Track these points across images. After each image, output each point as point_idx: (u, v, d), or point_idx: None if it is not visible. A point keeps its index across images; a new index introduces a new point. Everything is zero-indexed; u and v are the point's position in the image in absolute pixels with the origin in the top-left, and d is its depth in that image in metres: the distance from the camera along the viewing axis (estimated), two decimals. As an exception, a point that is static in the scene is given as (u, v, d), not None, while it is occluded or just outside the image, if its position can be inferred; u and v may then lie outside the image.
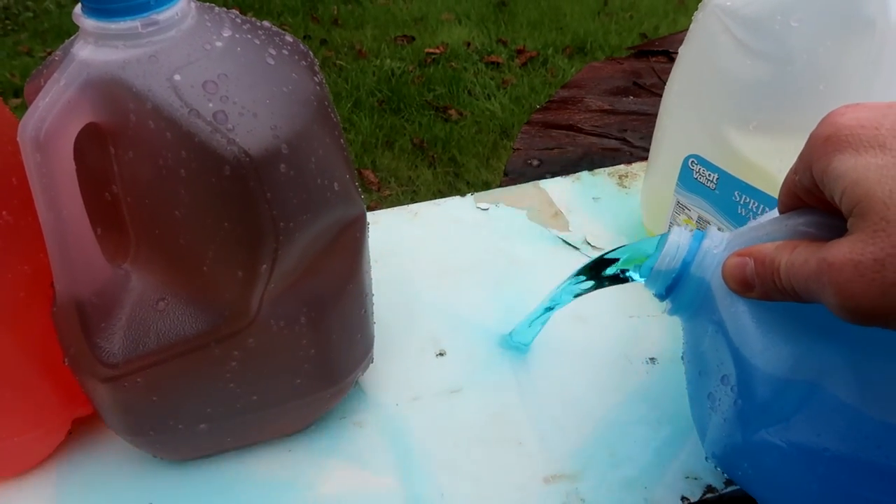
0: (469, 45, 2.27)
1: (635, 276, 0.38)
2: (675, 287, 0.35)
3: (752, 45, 0.42)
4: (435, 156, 1.83)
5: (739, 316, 0.32)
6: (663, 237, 0.36)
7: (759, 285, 0.29)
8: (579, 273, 0.41)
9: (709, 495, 0.42)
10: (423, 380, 0.49)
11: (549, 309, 0.45)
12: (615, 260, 0.39)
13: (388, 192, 1.72)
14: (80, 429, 0.44)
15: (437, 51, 2.23)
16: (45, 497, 0.42)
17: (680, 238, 0.35)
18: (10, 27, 2.35)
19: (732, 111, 0.44)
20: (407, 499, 0.42)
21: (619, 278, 0.39)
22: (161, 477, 0.43)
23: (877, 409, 0.30)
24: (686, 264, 0.35)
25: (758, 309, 0.32)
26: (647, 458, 0.44)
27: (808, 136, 0.28)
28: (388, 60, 2.18)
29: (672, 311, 0.37)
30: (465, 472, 0.44)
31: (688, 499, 0.42)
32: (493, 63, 2.18)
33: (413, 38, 2.32)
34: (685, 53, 0.47)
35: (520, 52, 2.23)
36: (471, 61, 2.19)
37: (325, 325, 0.40)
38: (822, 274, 0.25)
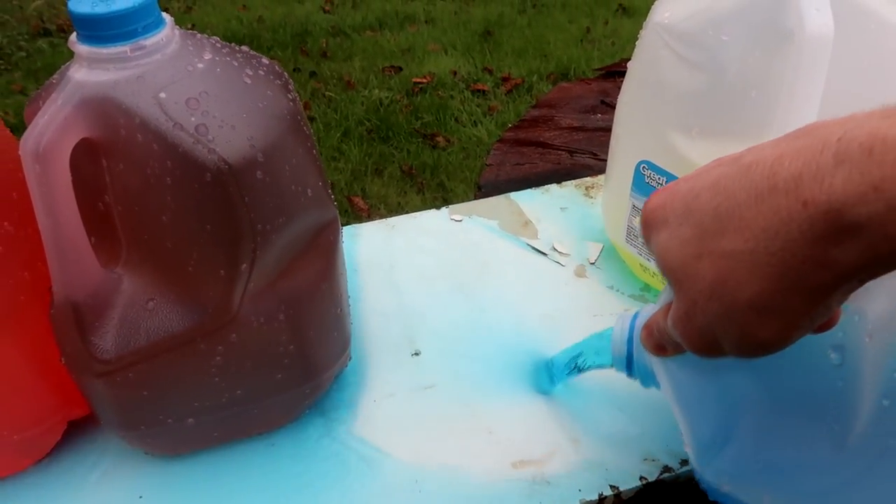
0: (455, 73, 2.33)
1: (604, 365, 0.44)
2: (632, 365, 0.41)
3: (689, 58, 0.46)
4: (423, 182, 1.88)
5: (672, 371, 0.39)
6: (611, 329, 0.42)
7: (667, 346, 0.34)
8: (569, 371, 0.48)
9: (665, 475, 0.45)
10: (399, 377, 0.52)
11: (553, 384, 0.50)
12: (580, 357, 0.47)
13: (377, 219, 1.76)
14: (75, 430, 0.47)
15: (425, 80, 2.29)
16: (42, 493, 0.45)
17: (622, 326, 0.41)
18: (3, 67, 2.40)
19: (676, 119, 0.48)
20: (384, 486, 0.45)
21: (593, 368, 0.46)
22: (151, 472, 0.46)
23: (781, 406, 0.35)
24: (630, 345, 0.41)
25: (681, 362, 0.37)
26: (608, 442, 0.47)
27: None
28: (377, 90, 2.23)
29: (643, 384, 0.42)
30: (438, 460, 0.46)
31: (646, 478, 0.45)
32: (479, 91, 2.24)
33: (401, 69, 2.37)
34: (633, 67, 0.51)
35: (505, 79, 2.29)
36: (457, 89, 2.25)
37: (303, 322, 0.43)
38: (673, 330, 0.30)
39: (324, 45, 2.55)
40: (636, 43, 0.51)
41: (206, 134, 0.35)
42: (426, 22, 2.71)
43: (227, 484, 0.45)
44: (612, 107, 0.76)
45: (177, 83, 0.36)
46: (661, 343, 0.34)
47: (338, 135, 2.02)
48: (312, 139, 0.42)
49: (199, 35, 0.40)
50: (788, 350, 0.27)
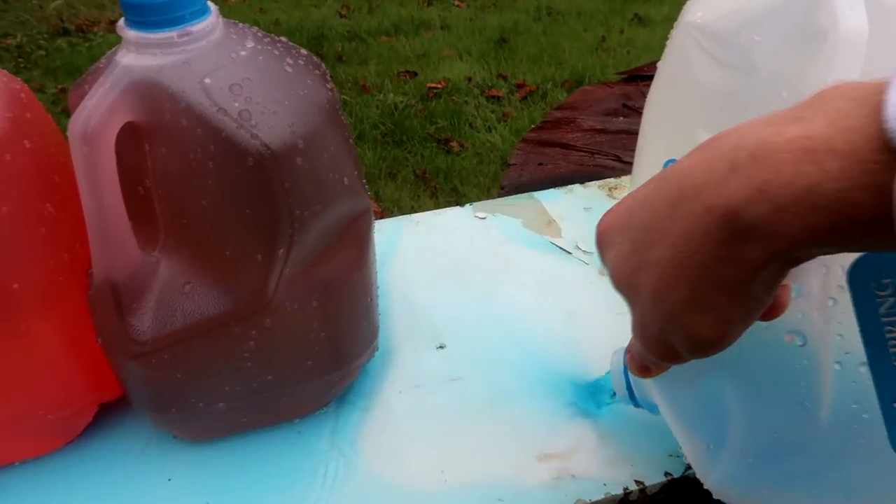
0: (470, 79, 2.34)
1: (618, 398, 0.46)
2: (634, 395, 0.44)
3: (720, 58, 0.46)
4: (437, 186, 1.88)
5: (662, 389, 0.41)
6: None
7: (649, 365, 0.35)
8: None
9: (690, 471, 0.45)
10: (425, 369, 0.52)
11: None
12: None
13: (391, 220, 1.77)
14: (105, 412, 0.47)
15: (439, 85, 2.30)
16: (73, 474, 0.45)
17: (617, 359, 0.44)
18: (22, 65, 2.43)
19: (706, 118, 0.48)
20: (410, 475, 0.45)
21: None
22: (180, 455, 0.46)
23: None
24: (627, 376, 0.44)
25: (665, 378, 0.38)
26: (633, 438, 0.47)
27: None
28: (392, 95, 2.24)
29: (651, 411, 0.44)
30: (464, 451, 0.47)
31: (671, 474, 0.45)
32: (493, 97, 2.25)
33: (416, 74, 2.39)
34: (663, 67, 0.52)
35: (520, 86, 2.29)
36: (472, 95, 2.26)
37: (335, 310, 0.43)
38: (637, 345, 0.32)
39: (339, 49, 2.56)
40: (667, 43, 0.51)
41: (248, 119, 0.36)
42: (441, 28, 2.73)
43: (254, 470, 0.46)
44: (634, 110, 0.77)
45: (221, 69, 0.37)
46: (642, 364, 0.35)
47: (353, 138, 2.03)
48: (348, 129, 0.43)
49: (240, 24, 0.41)
50: (756, 343, 0.29)
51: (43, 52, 2.55)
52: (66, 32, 2.72)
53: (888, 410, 0.29)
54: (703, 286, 0.24)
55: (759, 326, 0.29)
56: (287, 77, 0.39)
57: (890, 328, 0.28)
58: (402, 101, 2.21)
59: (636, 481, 0.45)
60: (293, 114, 0.38)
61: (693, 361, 0.32)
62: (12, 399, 0.42)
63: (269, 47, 0.40)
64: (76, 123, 0.35)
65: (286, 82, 0.39)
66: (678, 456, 0.46)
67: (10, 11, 2.89)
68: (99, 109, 0.35)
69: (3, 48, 2.54)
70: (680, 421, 0.41)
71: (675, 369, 0.35)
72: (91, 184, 0.36)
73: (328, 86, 0.42)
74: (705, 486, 0.40)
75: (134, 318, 0.40)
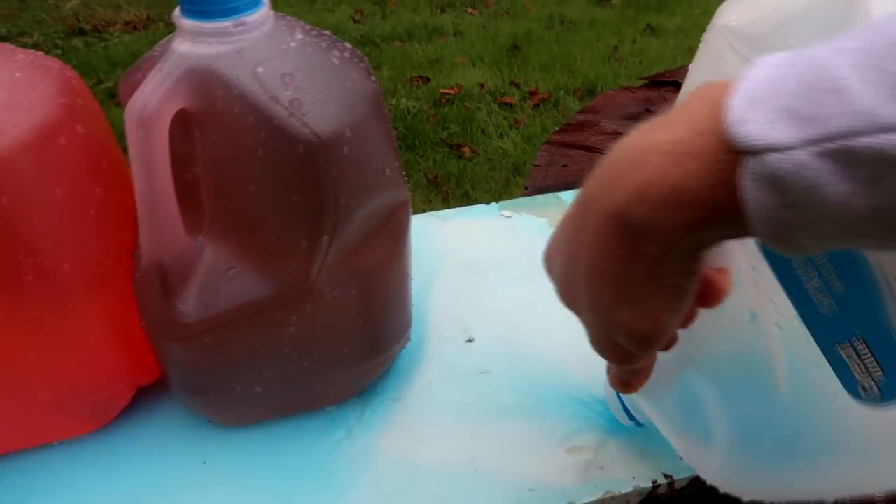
0: (483, 86, 2.35)
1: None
2: (632, 415, 0.45)
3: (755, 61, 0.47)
4: (448, 191, 1.89)
5: (648, 399, 0.43)
6: None
7: (628, 379, 0.35)
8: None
9: (718, 466, 0.46)
10: (455, 362, 0.53)
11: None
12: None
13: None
14: (142, 396, 0.48)
15: (452, 91, 2.31)
16: (109, 455, 0.46)
17: (606, 387, 0.45)
18: (40, 64, 2.45)
19: (737, 120, 0.49)
20: (441, 465, 0.46)
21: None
22: (214, 440, 0.47)
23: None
24: (620, 399, 0.46)
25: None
26: (661, 433, 0.48)
27: None
28: (404, 100, 2.26)
29: (649, 429, 0.45)
30: (494, 442, 0.47)
31: (699, 469, 0.46)
32: (505, 104, 2.26)
33: (428, 79, 2.40)
34: (695, 69, 0.52)
35: (532, 93, 2.31)
36: (484, 102, 2.27)
37: (372, 298, 0.44)
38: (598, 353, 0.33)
39: (353, 53, 2.58)
40: (699, 46, 0.52)
41: (299, 108, 0.37)
42: (455, 34, 2.74)
43: (287, 456, 0.46)
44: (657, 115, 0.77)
45: (272, 59, 0.38)
46: (619, 378, 0.35)
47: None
48: (390, 122, 0.44)
49: (289, 17, 0.42)
50: (715, 331, 0.32)
51: (59, 52, 2.57)
52: (82, 32, 2.74)
53: (832, 357, 0.30)
54: (622, 284, 0.26)
55: (712, 315, 0.31)
56: (334, 68, 0.40)
57: (806, 279, 0.29)
58: (414, 106, 2.22)
59: (665, 475, 0.46)
60: (341, 104, 0.39)
61: (663, 364, 0.34)
62: (56, 379, 0.43)
63: (317, 40, 0.41)
64: (134, 108, 0.35)
65: (333, 73, 0.40)
66: (706, 451, 0.47)
67: (27, 11, 2.92)
68: (156, 95, 0.36)
69: (20, 47, 2.57)
70: (668, 425, 0.42)
71: (654, 377, 0.36)
72: (145, 167, 0.37)
73: (372, 79, 0.42)
74: (708, 484, 0.40)
75: (179, 300, 0.40)
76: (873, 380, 0.30)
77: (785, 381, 0.35)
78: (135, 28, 2.87)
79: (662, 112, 0.25)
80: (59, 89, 0.40)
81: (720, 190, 0.21)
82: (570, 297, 0.30)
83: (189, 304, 0.40)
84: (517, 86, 2.36)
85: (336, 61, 0.40)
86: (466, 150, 2.05)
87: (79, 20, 2.84)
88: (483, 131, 2.13)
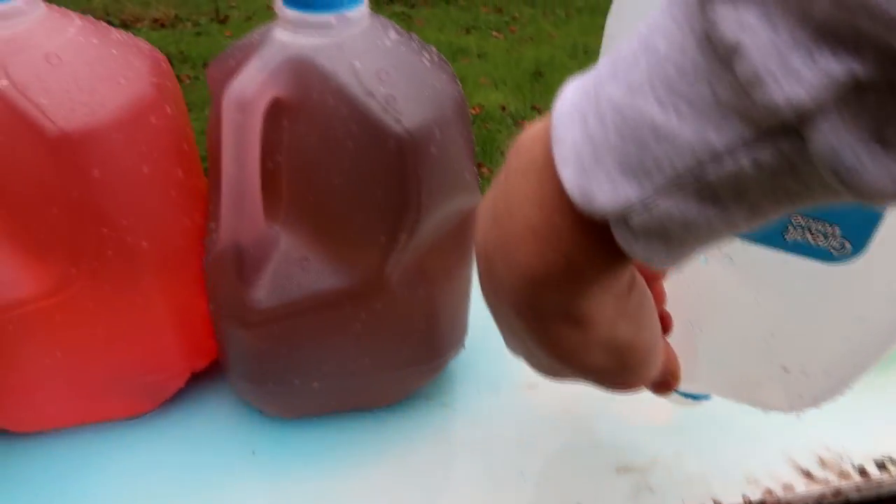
0: (504, 108, 2.37)
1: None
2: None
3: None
4: (466, 208, 1.90)
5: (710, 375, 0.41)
6: None
7: (667, 381, 0.34)
8: None
9: (767, 497, 0.46)
10: (504, 373, 0.53)
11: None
12: None
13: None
14: (196, 381, 0.48)
15: (473, 111, 2.33)
16: (160, 438, 0.46)
17: None
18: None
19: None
20: (488, 475, 0.46)
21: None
22: (265, 431, 0.47)
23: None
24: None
25: None
26: (710, 459, 0.48)
27: None
28: (427, 116, 2.27)
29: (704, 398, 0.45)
30: (543, 456, 0.47)
31: (748, 497, 0.46)
32: (526, 128, 2.28)
33: (451, 98, 2.42)
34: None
35: (553, 119, 2.32)
36: (505, 124, 2.29)
37: (437, 301, 0.44)
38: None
39: (378, 67, 2.60)
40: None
41: (394, 104, 0.37)
42: (478, 56, 2.77)
43: (337, 455, 0.46)
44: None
45: (369, 55, 0.38)
46: (655, 386, 0.33)
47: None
48: (471, 126, 0.44)
49: (382, 17, 0.42)
50: (689, 289, 0.34)
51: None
52: (110, 26, 2.77)
53: (789, 247, 0.30)
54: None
55: (680, 283, 0.32)
56: (425, 70, 0.40)
57: None
58: (436, 123, 2.23)
59: (713, 500, 0.45)
60: (430, 104, 0.39)
61: (677, 342, 0.34)
62: (116, 356, 0.43)
63: (409, 41, 0.41)
64: (233, 91, 0.36)
65: (424, 74, 0.40)
66: (755, 481, 0.46)
67: (55, 3, 2.95)
68: (256, 80, 0.36)
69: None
70: (720, 385, 0.41)
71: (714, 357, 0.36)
72: (236, 151, 0.37)
73: (456, 83, 0.43)
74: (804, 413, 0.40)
75: (253, 286, 0.40)
76: (835, 238, 0.30)
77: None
78: (162, 25, 2.90)
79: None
80: (150, 69, 0.40)
81: (595, 249, 0.21)
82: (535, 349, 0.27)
83: (261, 291, 0.40)
84: (538, 111, 2.38)
85: (426, 63, 0.41)
86: (486, 170, 2.06)
87: (108, 14, 2.87)
88: (502, 153, 2.14)
